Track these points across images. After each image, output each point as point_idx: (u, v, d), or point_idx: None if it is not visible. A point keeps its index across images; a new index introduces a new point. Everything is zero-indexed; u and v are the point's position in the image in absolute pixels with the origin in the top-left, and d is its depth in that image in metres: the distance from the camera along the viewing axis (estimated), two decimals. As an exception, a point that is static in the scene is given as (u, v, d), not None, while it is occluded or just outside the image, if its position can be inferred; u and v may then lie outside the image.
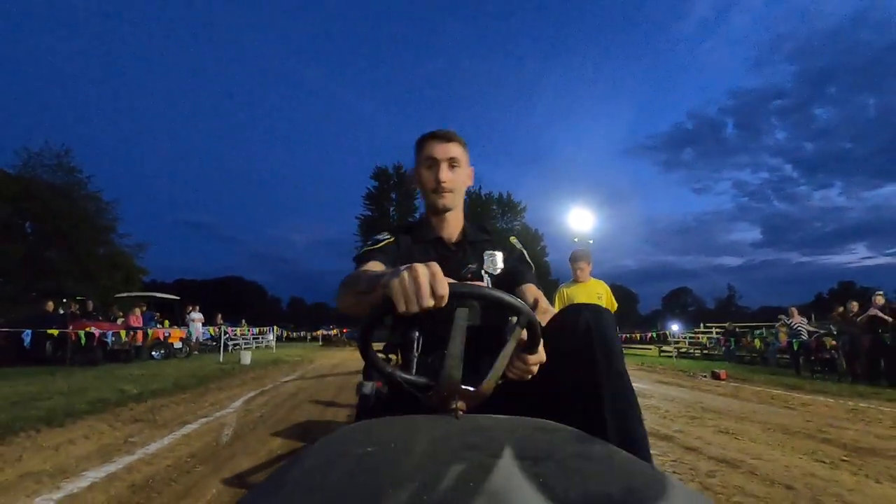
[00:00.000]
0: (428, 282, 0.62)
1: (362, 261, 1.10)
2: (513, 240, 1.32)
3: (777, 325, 11.09)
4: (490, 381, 0.70)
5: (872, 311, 7.78)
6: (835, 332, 8.87)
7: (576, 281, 3.86)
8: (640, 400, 0.83)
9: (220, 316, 15.82)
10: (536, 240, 40.57)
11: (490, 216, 38.45)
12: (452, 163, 1.16)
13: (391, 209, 35.89)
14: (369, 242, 1.17)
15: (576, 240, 16.44)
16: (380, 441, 0.50)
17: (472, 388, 0.68)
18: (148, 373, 7.72)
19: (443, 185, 1.14)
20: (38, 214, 18.68)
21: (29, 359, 8.52)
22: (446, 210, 1.18)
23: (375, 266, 1.03)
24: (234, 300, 54.96)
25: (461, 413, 0.65)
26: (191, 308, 14.15)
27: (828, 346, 8.71)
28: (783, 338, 10.26)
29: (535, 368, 0.77)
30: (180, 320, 13.83)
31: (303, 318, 60.52)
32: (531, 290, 1.18)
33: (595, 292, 3.74)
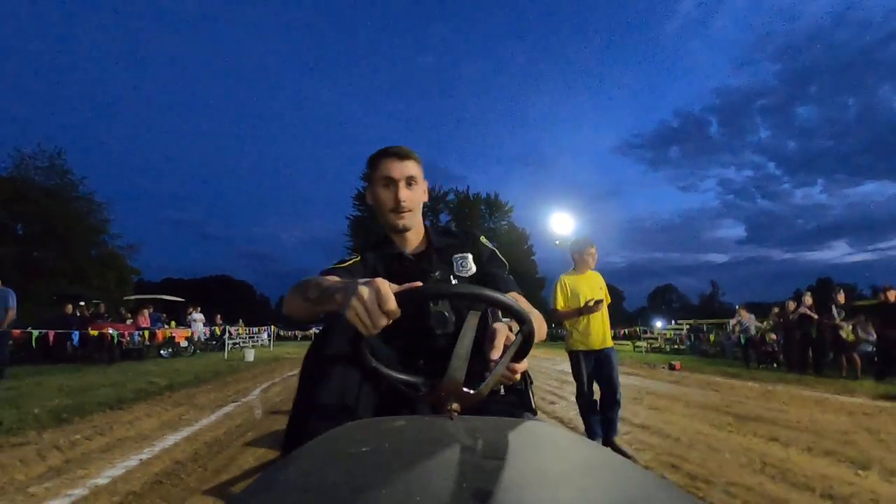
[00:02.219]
0: (375, 303, 0.64)
1: (325, 275, 1.09)
2: (482, 239, 1.29)
3: (731, 321, 12.37)
4: (489, 385, 0.70)
5: (802, 310, 8.99)
6: (775, 328, 10.15)
7: (578, 271, 3.64)
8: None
9: (219, 316, 16.67)
10: (523, 239, 41.78)
11: (478, 216, 39.52)
12: (410, 181, 1.15)
13: (381, 210, 36.77)
14: (336, 262, 1.18)
15: (557, 242, 17.46)
16: (375, 441, 0.49)
17: (471, 391, 0.68)
18: (166, 369, 8.57)
19: (402, 204, 1.13)
20: (31, 216, 19.06)
21: (52, 357, 9.29)
22: (406, 230, 1.18)
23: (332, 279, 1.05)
24: (223, 299, 55.10)
25: (456, 414, 0.65)
26: (192, 309, 14.94)
27: (768, 341, 9.97)
28: (736, 333, 11.51)
29: (518, 377, 0.79)
30: (183, 321, 14.62)
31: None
32: (511, 296, 1.16)
33: (597, 284, 3.59)
